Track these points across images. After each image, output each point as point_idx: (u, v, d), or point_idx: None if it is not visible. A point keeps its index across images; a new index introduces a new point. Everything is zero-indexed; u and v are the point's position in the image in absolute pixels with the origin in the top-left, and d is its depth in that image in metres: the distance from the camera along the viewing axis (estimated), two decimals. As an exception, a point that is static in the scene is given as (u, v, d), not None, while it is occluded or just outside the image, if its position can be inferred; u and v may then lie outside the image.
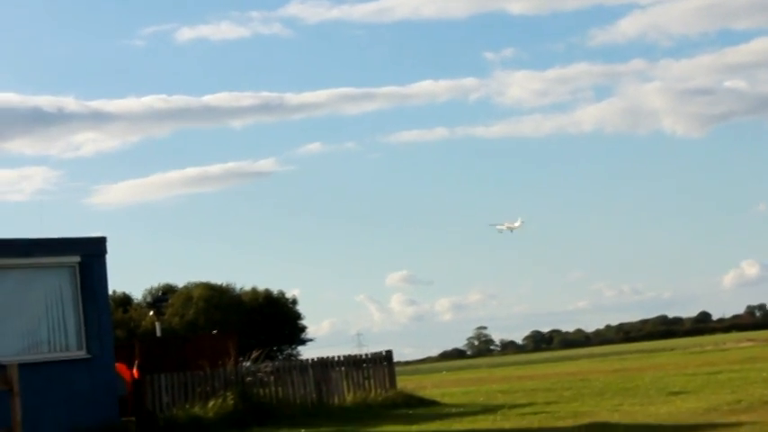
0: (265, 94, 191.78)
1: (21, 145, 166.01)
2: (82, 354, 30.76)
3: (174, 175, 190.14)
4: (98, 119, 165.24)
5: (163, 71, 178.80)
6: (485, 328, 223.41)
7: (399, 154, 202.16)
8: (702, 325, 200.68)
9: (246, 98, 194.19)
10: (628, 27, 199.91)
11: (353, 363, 38.21)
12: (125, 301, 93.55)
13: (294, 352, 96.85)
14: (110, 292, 33.12)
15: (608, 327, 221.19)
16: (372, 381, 37.66)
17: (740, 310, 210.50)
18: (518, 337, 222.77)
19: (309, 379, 36.77)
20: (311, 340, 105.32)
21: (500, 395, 39.05)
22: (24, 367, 26.15)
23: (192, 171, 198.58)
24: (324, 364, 37.86)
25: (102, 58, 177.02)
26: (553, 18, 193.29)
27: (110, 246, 32.21)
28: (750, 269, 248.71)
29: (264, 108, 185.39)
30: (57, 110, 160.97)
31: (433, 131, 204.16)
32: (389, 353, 39.21)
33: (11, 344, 29.22)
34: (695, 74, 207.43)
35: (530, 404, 33.08)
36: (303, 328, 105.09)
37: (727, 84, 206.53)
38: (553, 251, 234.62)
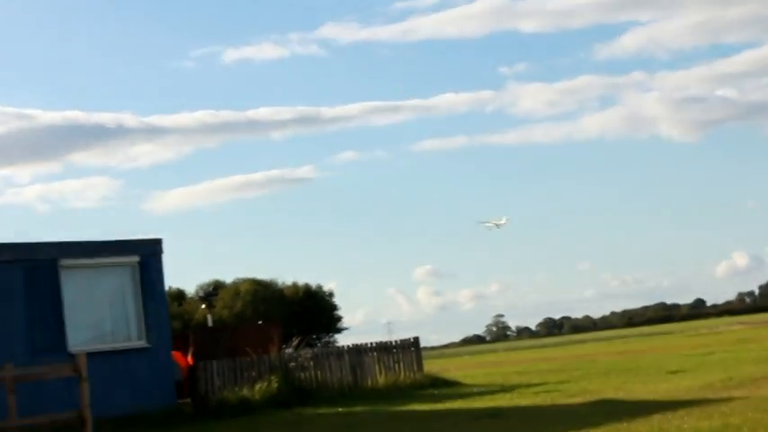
0: (303, 108, 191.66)
1: (85, 157, 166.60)
2: (142, 343, 30.93)
3: (222, 182, 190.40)
4: (154, 133, 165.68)
5: (211, 89, 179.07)
6: (502, 315, 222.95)
7: (424, 160, 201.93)
8: (697, 310, 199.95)
9: (286, 112, 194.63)
10: (628, 42, 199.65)
11: (384, 349, 38.26)
12: (179, 295, 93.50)
13: (331, 340, 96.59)
14: (166, 287, 33.24)
15: (612, 313, 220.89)
16: (401, 364, 37.70)
17: (732, 296, 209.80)
18: (532, 324, 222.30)
19: (345, 364, 36.84)
20: (346, 329, 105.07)
21: (516, 376, 39.07)
22: (91, 356, 26.36)
23: (237, 178, 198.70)
24: (358, 350, 37.92)
25: (157, 78, 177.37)
26: (561, 35, 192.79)
27: (165, 246, 32.41)
28: (740, 260, 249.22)
29: (302, 121, 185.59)
30: (117, 125, 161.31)
31: (453, 140, 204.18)
32: (416, 339, 39.25)
33: (80, 335, 29.40)
34: (690, 84, 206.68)
35: (543, 383, 33.10)
36: (339, 318, 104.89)
37: (719, 92, 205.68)
38: (563, 245, 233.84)
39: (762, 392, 22.20)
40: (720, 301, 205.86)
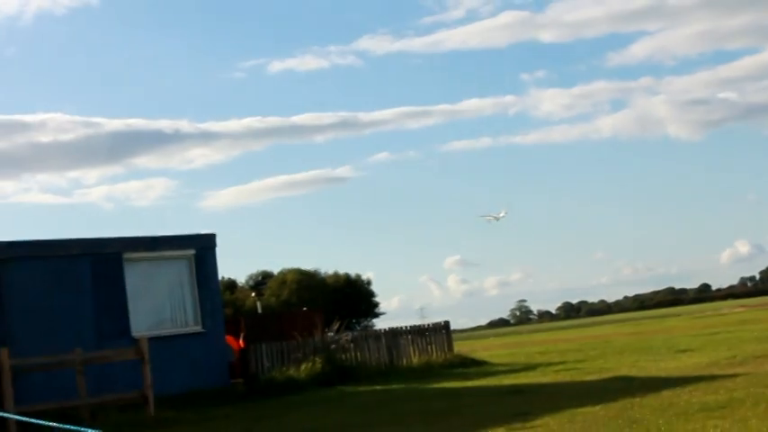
0: (342, 113, 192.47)
1: (146, 160, 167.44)
2: (198, 328, 30.99)
3: (269, 182, 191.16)
4: (207, 137, 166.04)
5: (258, 97, 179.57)
6: (524, 300, 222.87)
7: (452, 160, 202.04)
8: (704, 294, 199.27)
9: (327, 117, 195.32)
10: (638, 50, 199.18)
11: (418, 331, 38.20)
12: (231, 285, 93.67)
13: (369, 324, 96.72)
14: (219, 277, 33.27)
15: (625, 297, 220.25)
16: (433, 346, 37.64)
17: (735, 281, 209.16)
18: (552, 308, 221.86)
19: (382, 345, 36.80)
20: (383, 314, 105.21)
21: (538, 356, 38.95)
22: (152, 340, 26.54)
23: (283, 178, 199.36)
24: (394, 333, 37.89)
25: (209, 88, 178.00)
26: (577, 44, 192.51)
27: (218, 240, 32.45)
28: (743, 248, 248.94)
29: (341, 125, 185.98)
30: (174, 131, 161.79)
31: (479, 141, 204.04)
32: (447, 323, 39.18)
33: (142, 321, 29.46)
34: (694, 87, 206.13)
35: (562, 362, 32.99)
36: (376, 304, 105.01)
37: (721, 95, 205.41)
38: (579, 236, 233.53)
39: (763, 369, 22.04)
40: (724, 285, 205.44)
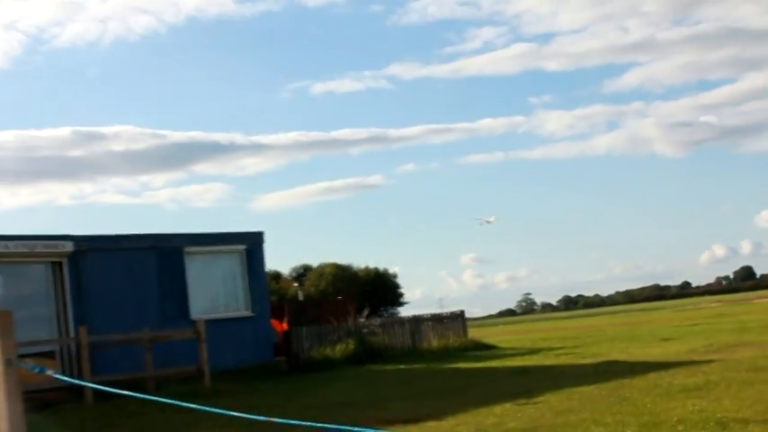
0: (374, 129, 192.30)
1: (205, 167, 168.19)
2: (248, 313, 31.10)
3: (311, 187, 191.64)
4: (258, 148, 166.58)
5: (302, 114, 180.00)
6: (530, 294, 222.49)
7: (470, 171, 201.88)
8: (685, 291, 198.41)
9: (361, 132, 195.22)
10: (631, 79, 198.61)
11: (437, 319, 38.25)
12: (277, 276, 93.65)
13: (395, 312, 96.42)
14: (266, 269, 33.40)
15: (617, 292, 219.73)
16: (450, 332, 37.66)
17: (711, 280, 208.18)
18: (553, 300, 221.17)
19: (406, 330, 36.87)
20: (407, 303, 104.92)
21: (541, 341, 38.94)
22: (208, 322, 26.65)
23: (323, 185, 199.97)
24: (416, 320, 37.94)
25: (260, 106, 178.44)
26: (578, 73, 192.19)
27: (266, 237, 32.55)
28: (719, 251, 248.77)
29: (374, 139, 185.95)
30: (229, 142, 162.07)
31: (493, 154, 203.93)
32: (462, 312, 39.22)
33: (200, 306, 29.60)
34: (679, 111, 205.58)
35: (562, 347, 32.98)
36: (401, 295, 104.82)
37: (702, 119, 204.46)
38: (578, 238, 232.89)
39: (735, 356, 22.03)
40: (703, 283, 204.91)
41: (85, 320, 26.17)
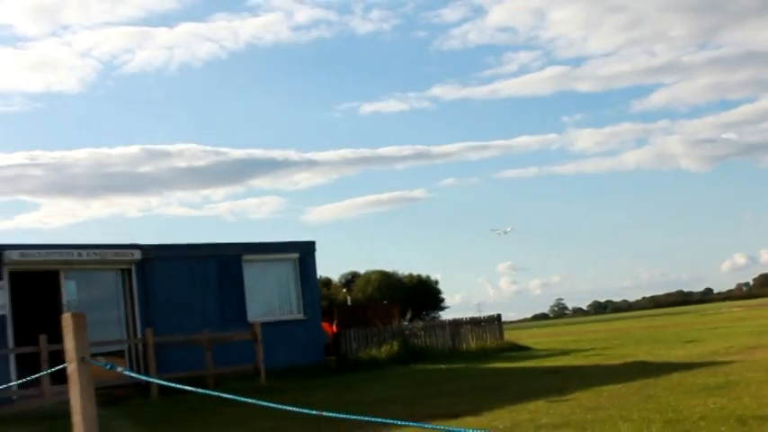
0: (418, 146, 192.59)
1: (262, 182, 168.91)
2: (300, 316, 31.19)
3: (359, 200, 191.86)
4: (310, 164, 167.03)
5: (352, 132, 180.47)
6: (562, 299, 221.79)
7: (506, 185, 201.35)
8: (707, 296, 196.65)
9: (406, 149, 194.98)
10: (657, 98, 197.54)
11: (475, 322, 38.17)
12: (327, 282, 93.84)
13: (436, 315, 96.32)
14: (317, 276, 33.46)
15: (644, 298, 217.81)
16: (488, 334, 37.58)
17: (732, 286, 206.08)
18: (584, 305, 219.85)
19: (446, 333, 36.81)
20: (448, 308, 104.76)
21: (572, 343, 38.76)
22: (264, 325, 26.76)
23: (370, 197, 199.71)
24: (456, 323, 37.87)
25: (312, 125, 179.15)
26: (608, 93, 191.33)
27: (317, 246, 32.63)
28: (740, 259, 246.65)
29: (417, 155, 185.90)
30: (284, 159, 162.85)
31: (528, 170, 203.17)
32: (499, 316, 39.11)
33: (256, 309, 29.71)
34: (703, 129, 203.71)
35: (592, 349, 32.81)
36: (442, 300, 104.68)
37: (725, 135, 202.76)
38: (608, 247, 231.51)
39: (754, 357, 21.85)
40: (724, 289, 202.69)
41: (151, 323, 26.36)
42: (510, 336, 40.28)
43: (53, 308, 24.60)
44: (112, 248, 27.54)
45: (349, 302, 57.84)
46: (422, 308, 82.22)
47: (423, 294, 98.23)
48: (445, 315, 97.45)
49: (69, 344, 5.28)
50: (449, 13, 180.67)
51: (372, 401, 18.81)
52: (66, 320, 5.30)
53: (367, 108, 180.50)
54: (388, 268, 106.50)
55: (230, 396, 5.09)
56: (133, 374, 9.68)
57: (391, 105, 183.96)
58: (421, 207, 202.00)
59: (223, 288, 29.37)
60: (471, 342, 36.72)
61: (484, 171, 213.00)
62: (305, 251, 32.08)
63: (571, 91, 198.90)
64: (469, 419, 14.55)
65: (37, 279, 26.37)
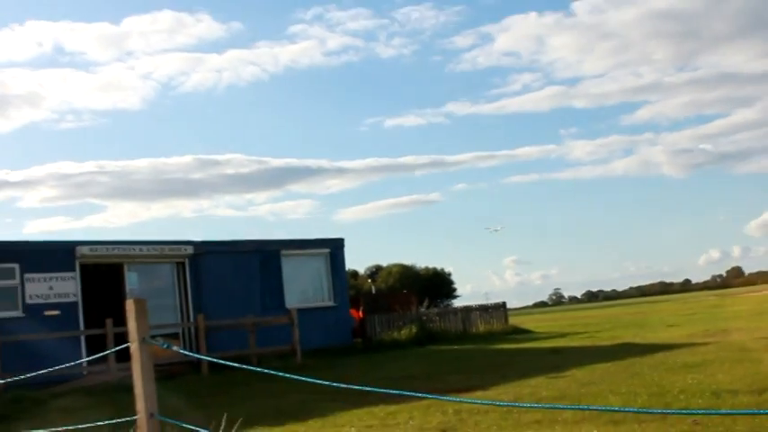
0: (433, 156, 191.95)
1: (298, 187, 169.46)
2: (331, 303, 31.22)
3: (382, 203, 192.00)
4: (340, 172, 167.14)
5: (376, 143, 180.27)
6: (559, 288, 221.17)
7: (510, 189, 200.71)
8: (686, 286, 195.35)
9: (423, 158, 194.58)
10: (643, 114, 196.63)
11: (484, 309, 38.12)
12: (354, 274, 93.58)
13: (449, 303, 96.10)
14: (346, 268, 33.49)
15: (631, 287, 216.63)
16: (494, 319, 37.52)
17: (708, 277, 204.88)
18: (578, 294, 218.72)
19: (458, 318, 36.76)
20: (459, 296, 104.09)
21: (568, 327, 38.66)
22: (300, 311, 26.81)
23: (391, 200, 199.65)
24: (466, 310, 37.83)
25: (342, 137, 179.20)
26: (599, 109, 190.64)
27: (346, 243, 32.66)
28: (714, 254, 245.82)
29: (433, 164, 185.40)
30: (317, 167, 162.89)
31: (529, 176, 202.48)
32: (504, 303, 39.03)
33: (293, 297, 29.77)
34: (682, 141, 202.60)
35: (585, 332, 32.71)
36: (454, 289, 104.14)
37: (701, 146, 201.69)
38: (600, 243, 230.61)
39: (727, 339, 21.73)
40: (701, 280, 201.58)
41: (202, 309, 26.47)
42: (514, 320, 40.22)
43: (117, 296, 24.74)
44: (168, 244, 27.67)
45: (373, 291, 57.83)
46: (436, 296, 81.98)
47: (437, 284, 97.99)
48: (457, 303, 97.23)
49: (132, 326, 5.32)
50: (460, 40, 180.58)
51: (394, 377, 18.83)
52: (130, 306, 5.34)
53: (389, 122, 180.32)
54: (407, 262, 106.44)
55: (270, 372, 5.11)
56: (187, 353, 9.66)
57: (410, 120, 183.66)
58: (436, 209, 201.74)
59: (264, 279, 29.44)
60: (480, 326, 36.68)
61: (491, 177, 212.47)
62: (335, 247, 32.12)
63: (567, 107, 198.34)
64: (478, 393, 14.54)
65: (104, 271, 26.53)
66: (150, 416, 5.18)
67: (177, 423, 5.46)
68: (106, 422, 6.35)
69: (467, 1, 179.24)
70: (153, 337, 5.40)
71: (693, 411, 7.53)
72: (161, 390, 5.34)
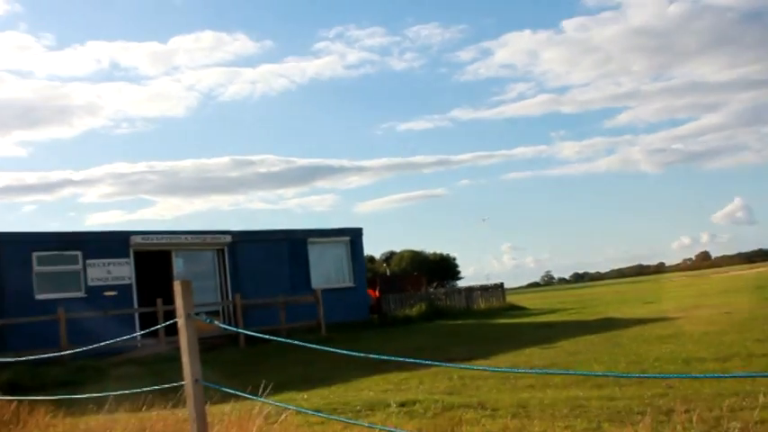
0: (440, 156, 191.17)
1: (322, 183, 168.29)
2: (351, 284, 31.22)
3: (395, 197, 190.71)
4: (359, 170, 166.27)
5: (390, 145, 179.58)
6: (550, 270, 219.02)
7: (508, 185, 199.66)
8: (660, 269, 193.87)
9: (431, 158, 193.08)
10: (623, 118, 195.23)
11: (485, 288, 38.10)
12: (371, 258, 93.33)
13: (454, 283, 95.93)
14: (364, 254, 33.51)
15: (612, 270, 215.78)
16: (493, 297, 37.51)
17: (680, 260, 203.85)
18: (566, 275, 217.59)
19: (462, 296, 36.77)
20: (463, 278, 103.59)
21: (558, 304, 38.57)
22: (324, 291, 26.85)
23: (404, 195, 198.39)
24: (469, 289, 37.83)
25: (362, 139, 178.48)
26: (585, 114, 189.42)
27: (364, 232, 32.65)
28: (685, 240, 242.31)
29: (440, 163, 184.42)
30: (339, 165, 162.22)
31: (524, 173, 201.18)
32: (502, 284, 38.99)
33: (318, 279, 29.74)
34: (657, 141, 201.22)
35: (573, 308, 32.67)
36: (459, 272, 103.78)
37: (673, 146, 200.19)
38: (586, 231, 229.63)
39: (695, 315, 21.65)
40: (674, 263, 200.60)
41: (239, 289, 26.54)
42: (510, 299, 40.19)
43: (166, 278, 24.83)
44: (210, 234, 27.76)
45: (387, 274, 57.91)
46: (443, 278, 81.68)
47: (444, 268, 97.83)
48: (461, 283, 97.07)
49: (179, 304, 5.35)
50: (464, 54, 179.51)
51: (406, 348, 18.86)
52: (177, 287, 5.37)
53: (402, 126, 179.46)
54: (418, 248, 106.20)
55: (299, 343, 5.14)
56: (226, 327, 9.67)
57: (420, 124, 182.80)
58: (442, 202, 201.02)
59: (292, 263, 29.49)
60: (481, 303, 36.68)
61: (491, 174, 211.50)
62: (354, 235, 32.12)
63: (557, 112, 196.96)
64: (480, 361, 14.56)
65: (154, 257, 26.63)
66: (195, 381, 5.21)
67: (219, 387, 5.50)
68: (158, 387, 6.40)
69: (469, 20, 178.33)
70: (197, 313, 5.43)
71: (667, 376, 7.52)
72: (204, 359, 5.38)
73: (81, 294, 23.84)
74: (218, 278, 27.54)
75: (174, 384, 5.77)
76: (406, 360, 4.50)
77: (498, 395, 9.84)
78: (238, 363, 17.90)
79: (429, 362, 5.87)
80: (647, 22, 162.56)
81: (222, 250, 27.71)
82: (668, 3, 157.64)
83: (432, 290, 39.12)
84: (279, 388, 8.06)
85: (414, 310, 32.59)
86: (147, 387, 6.67)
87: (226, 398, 6.04)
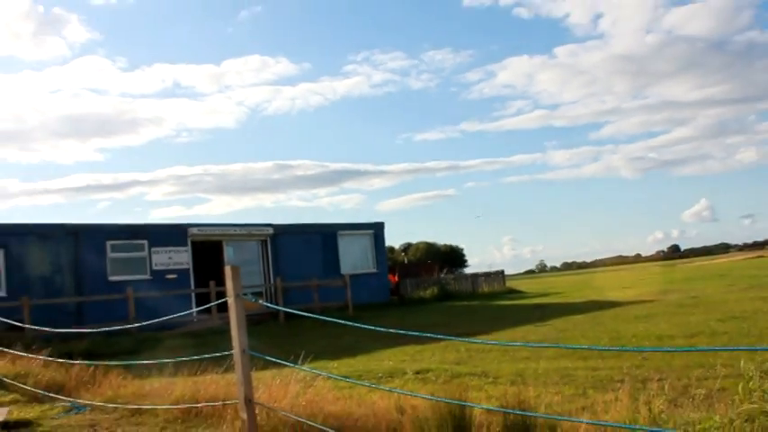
0: (450, 161, 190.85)
1: (350, 184, 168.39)
2: (374, 270, 31.26)
3: (412, 196, 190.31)
4: (382, 173, 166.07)
5: (408, 153, 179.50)
6: (543, 260, 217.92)
7: (509, 187, 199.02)
8: (637, 259, 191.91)
9: (443, 163, 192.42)
10: (606, 131, 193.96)
11: (487, 275, 38.00)
12: (391, 249, 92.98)
13: (462, 270, 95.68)
14: (386, 245, 33.55)
15: (596, 259, 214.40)
16: (495, 283, 37.41)
17: (654, 252, 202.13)
18: (558, 264, 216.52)
19: (468, 281, 36.72)
20: (469, 266, 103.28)
21: (550, 289, 38.40)
22: (351, 276, 26.90)
23: (419, 194, 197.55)
24: (475, 276, 37.76)
25: (382, 149, 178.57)
26: (574, 127, 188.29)
27: (386, 226, 32.64)
28: (659, 234, 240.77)
29: (450, 168, 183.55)
30: (365, 170, 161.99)
31: (522, 177, 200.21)
32: (502, 271, 38.89)
33: (346, 266, 29.81)
34: (636, 151, 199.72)
35: (563, 292, 32.49)
36: (466, 261, 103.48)
37: (650, 155, 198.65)
38: (575, 227, 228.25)
39: (667, 299, 21.50)
40: (649, 254, 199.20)
41: (279, 274, 26.64)
42: (509, 284, 40.08)
43: (218, 264, 24.99)
44: (255, 227, 27.88)
45: (405, 262, 57.85)
46: (452, 266, 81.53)
47: (453, 257, 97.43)
48: (468, 270, 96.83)
49: (229, 285, 5.40)
50: (471, 76, 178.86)
51: (421, 324, 18.87)
52: (227, 271, 5.42)
53: (418, 136, 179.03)
54: (431, 240, 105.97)
55: (330, 320, 5.17)
56: (269, 305, 9.75)
57: (434, 135, 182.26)
58: (452, 201, 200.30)
59: (325, 252, 29.56)
60: (484, 287, 36.60)
61: (493, 178, 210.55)
62: (377, 229, 32.15)
63: (550, 126, 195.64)
64: (483, 336, 14.54)
65: (208, 246, 26.79)
66: (243, 351, 5.26)
67: (262, 356, 5.55)
68: (210, 356, 6.46)
69: (476, 46, 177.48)
70: (244, 294, 5.48)
71: (643, 349, 7.49)
72: (249, 332, 5.43)
73: (147, 277, 24.03)
74: (262, 264, 27.67)
75: (225, 353, 5.82)
76: (421, 334, 4.52)
77: (499, 365, 9.86)
78: (279, 336, 17.99)
79: (440, 336, 5.90)
80: (627, 49, 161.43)
81: (265, 241, 27.83)
82: (645, 33, 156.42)
83: (443, 276, 39.06)
84: (313, 357, 8.10)
85: (427, 292, 32.60)
86: (201, 356, 6.74)
87: (268, 365, 6.07)
